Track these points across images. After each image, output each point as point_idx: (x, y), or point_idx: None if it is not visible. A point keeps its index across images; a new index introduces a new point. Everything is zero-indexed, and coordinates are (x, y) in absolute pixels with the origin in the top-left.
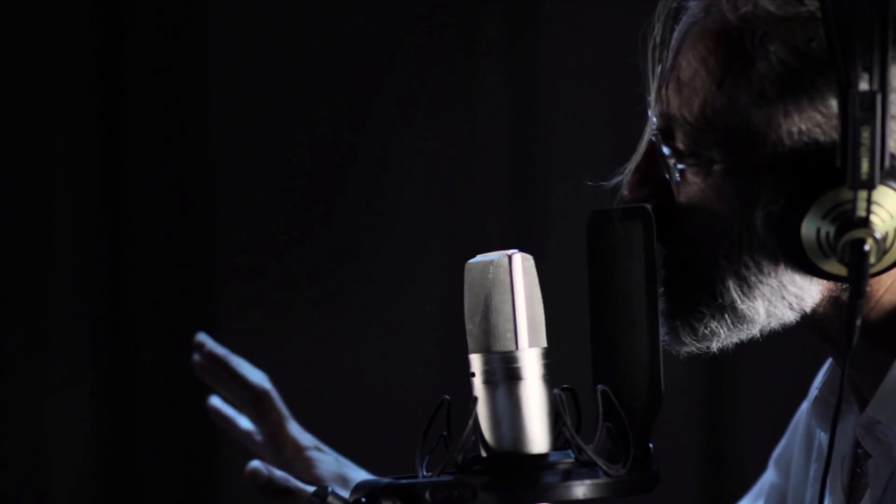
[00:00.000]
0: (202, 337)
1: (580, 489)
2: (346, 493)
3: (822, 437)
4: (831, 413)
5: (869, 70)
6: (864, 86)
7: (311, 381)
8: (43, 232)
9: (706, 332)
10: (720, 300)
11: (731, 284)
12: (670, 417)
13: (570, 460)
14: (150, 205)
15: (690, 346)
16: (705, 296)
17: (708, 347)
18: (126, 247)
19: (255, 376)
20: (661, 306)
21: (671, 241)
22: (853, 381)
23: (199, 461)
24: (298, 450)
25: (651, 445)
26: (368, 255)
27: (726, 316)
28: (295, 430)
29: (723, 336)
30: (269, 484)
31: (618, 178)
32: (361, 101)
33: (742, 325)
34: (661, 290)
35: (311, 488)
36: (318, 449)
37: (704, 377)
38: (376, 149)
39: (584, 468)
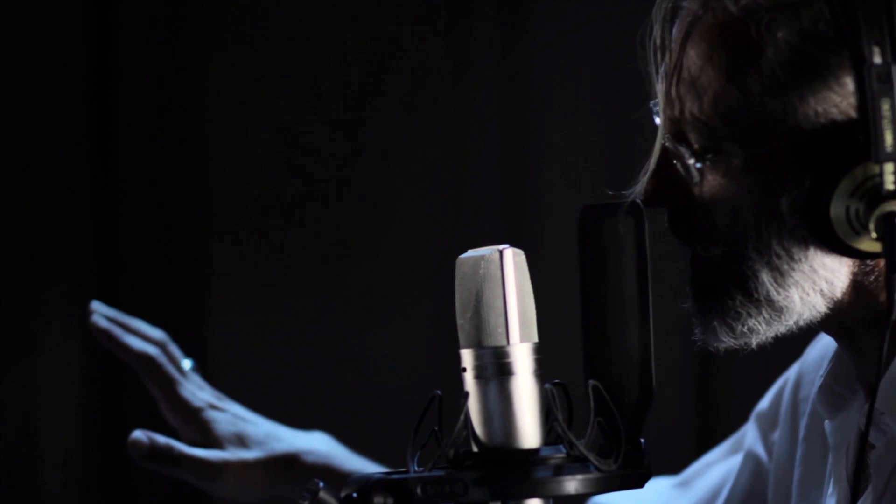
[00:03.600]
0: (94, 305)
1: (571, 484)
2: (246, 452)
3: (827, 424)
4: (837, 402)
5: (880, 44)
6: (877, 59)
7: (302, 375)
8: (35, 202)
9: (744, 329)
10: (756, 295)
11: (765, 277)
12: (662, 413)
13: (562, 455)
14: (143, 180)
15: (729, 344)
16: (740, 294)
17: (748, 344)
18: (118, 212)
19: (137, 342)
20: (690, 307)
21: (700, 241)
22: (860, 369)
23: None
24: (190, 412)
25: (643, 440)
26: (360, 251)
27: (763, 311)
28: (187, 391)
29: (761, 331)
30: (152, 454)
31: (636, 188)
32: (356, 98)
33: (779, 316)
34: (686, 288)
35: (201, 452)
36: (214, 407)
37: (696, 372)
38: (369, 145)
39: (575, 463)
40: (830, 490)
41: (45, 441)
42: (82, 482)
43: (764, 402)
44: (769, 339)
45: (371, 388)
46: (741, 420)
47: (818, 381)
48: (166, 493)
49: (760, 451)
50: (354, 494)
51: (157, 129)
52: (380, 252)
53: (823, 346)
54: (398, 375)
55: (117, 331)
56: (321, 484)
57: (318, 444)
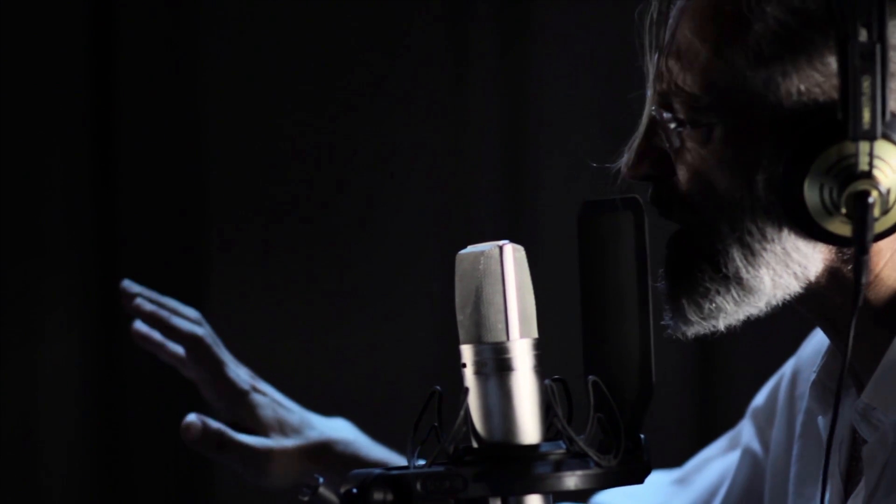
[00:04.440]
0: (127, 284)
1: (571, 480)
2: (286, 439)
3: (820, 420)
4: (830, 398)
5: (867, 25)
6: (862, 38)
7: (302, 371)
8: (35, 193)
9: (712, 307)
10: (724, 271)
11: (735, 253)
12: (661, 408)
13: (562, 451)
14: (144, 172)
15: (697, 326)
16: (709, 269)
17: (715, 326)
18: (118, 203)
19: (185, 324)
20: (663, 288)
21: (676, 210)
22: (851, 363)
23: (190, 404)
24: (238, 395)
25: (642, 436)
26: (360, 246)
27: (731, 288)
28: (232, 373)
29: (729, 311)
30: (203, 438)
31: (622, 160)
32: (356, 91)
33: (748, 297)
34: (661, 271)
35: (249, 439)
36: (257, 390)
37: (696, 368)
38: (369, 140)
39: (575, 459)
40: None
41: (45, 432)
42: (82, 473)
43: (759, 398)
44: (738, 321)
45: (370, 383)
46: (741, 416)
47: (811, 377)
48: (166, 484)
49: (757, 447)
50: (354, 490)
51: (158, 121)
52: (380, 248)
53: (818, 342)
54: (398, 371)
55: (164, 313)
56: (321, 480)
57: (346, 433)
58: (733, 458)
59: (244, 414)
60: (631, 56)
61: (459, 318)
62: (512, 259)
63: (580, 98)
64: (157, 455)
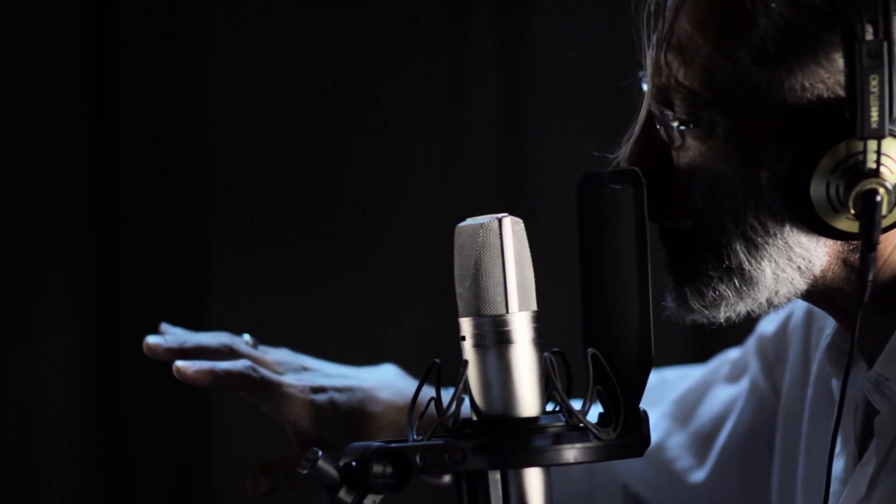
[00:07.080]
0: (159, 341)
1: (570, 453)
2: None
3: (834, 383)
4: (844, 361)
5: (873, 22)
6: (869, 36)
7: (302, 346)
8: (35, 178)
9: (714, 295)
10: (727, 262)
11: (739, 246)
12: None
13: (561, 424)
14: (143, 167)
15: (699, 314)
16: (712, 259)
17: (716, 316)
18: (118, 197)
19: (226, 369)
20: (669, 279)
21: (672, 212)
22: (861, 341)
23: (189, 399)
24: (302, 410)
25: (642, 409)
26: (359, 220)
27: (734, 278)
28: (290, 389)
29: (731, 300)
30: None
31: (621, 150)
32: (356, 90)
33: (749, 288)
34: (666, 263)
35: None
36: (316, 390)
37: (695, 341)
38: (369, 137)
39: (574, 432)
40: (838, 449)
41: (44, 427)
42: (82, 468)
43: (768, 327)
44: (740, 314)
45: (370, 357)
46: None
47: (825, 339)
48: (166, 479)
49: (764, 385)
50: (353, 463)
51: (157, 116)
52: (379, 220)
53: None
54: (397, 344)
55: (206, 365)
56: (320, 453)
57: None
58: (737, 390)
59: (307, 424)
60: (630, 55)
61: (459, 290)
62: (511, 231)
63: (581, 69)
64: (157, 450)
